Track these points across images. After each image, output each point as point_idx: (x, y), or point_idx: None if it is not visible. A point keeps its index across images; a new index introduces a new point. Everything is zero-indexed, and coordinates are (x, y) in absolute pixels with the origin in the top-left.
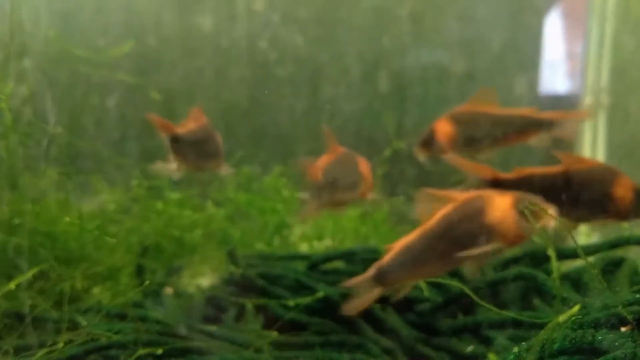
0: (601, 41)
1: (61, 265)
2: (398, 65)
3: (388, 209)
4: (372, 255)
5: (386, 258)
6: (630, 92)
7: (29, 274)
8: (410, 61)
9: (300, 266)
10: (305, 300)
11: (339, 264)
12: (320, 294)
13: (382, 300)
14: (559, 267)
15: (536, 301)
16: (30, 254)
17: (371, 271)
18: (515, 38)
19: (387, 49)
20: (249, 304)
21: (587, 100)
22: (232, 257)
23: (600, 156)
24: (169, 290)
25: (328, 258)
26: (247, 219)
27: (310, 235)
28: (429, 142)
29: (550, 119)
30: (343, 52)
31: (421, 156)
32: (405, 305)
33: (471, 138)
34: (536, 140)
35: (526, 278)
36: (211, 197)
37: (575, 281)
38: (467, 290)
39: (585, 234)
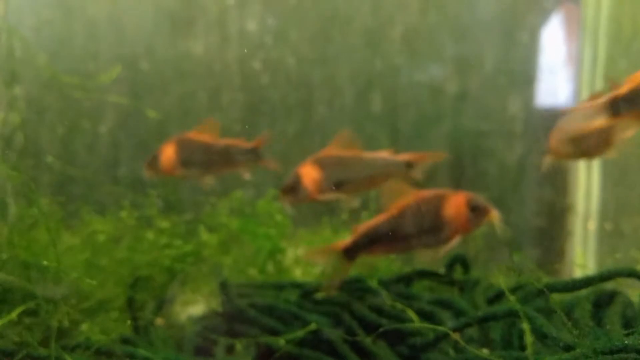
0: (594, 61)
1: (49, 300)
2: (391, 86)
3: None
4: (360, 285)
5: None
6: None
7: (13, 315)
8: (403, 81)
9: (294, 294)
10: (296, 334)
11: None
12: (312, 326)
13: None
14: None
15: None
16: (17, 288)
17: None
18: (507, 57)
19: (379, 69)
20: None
21: None
22: (224, 288)
23: (595, 179)
24: (159, 321)
25: (320, 287)
26: (240, 244)
27: (303, 259)
28: (294, 188)
29: (407, 160)
30: (335, 73)
31: (286, 202)
32: (397, 339)
33: (337, 182)
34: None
35: (516, 315)
36: (204, 222)
37: (567, 315)
38: (450, 332)
39: (580, 266)
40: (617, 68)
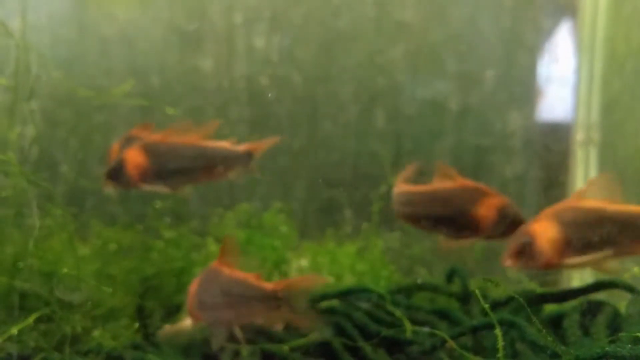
0: (590, 79)
1: (63, 307)
2: (393, 102)
3: (384, 244)
4: (367, 295)
5: None
6: (618, 130)
7: (29, 320)
8: (406, 98)
9: None
10: (300, 342)
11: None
12: (313, 337)
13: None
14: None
15: (519, 346)
16: (33, 296)
17: None
18: (507, 75)
19: (382, 86)
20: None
21: (579, 135)
22: None
23: None
24: (167, 328)
25: (325, 297)
26: (246, 255)
27: (307, 270)
28: (117, 173)
29: (247, 150)
30: (340, 89)
31: (110, 189)
32: (396, 347)
33: (166, 170)
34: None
35: (508, 324)
36: (211, 234)
37: (557, 324)
38: (447, 338)
39: (578, 280)
40: (612, 87)
